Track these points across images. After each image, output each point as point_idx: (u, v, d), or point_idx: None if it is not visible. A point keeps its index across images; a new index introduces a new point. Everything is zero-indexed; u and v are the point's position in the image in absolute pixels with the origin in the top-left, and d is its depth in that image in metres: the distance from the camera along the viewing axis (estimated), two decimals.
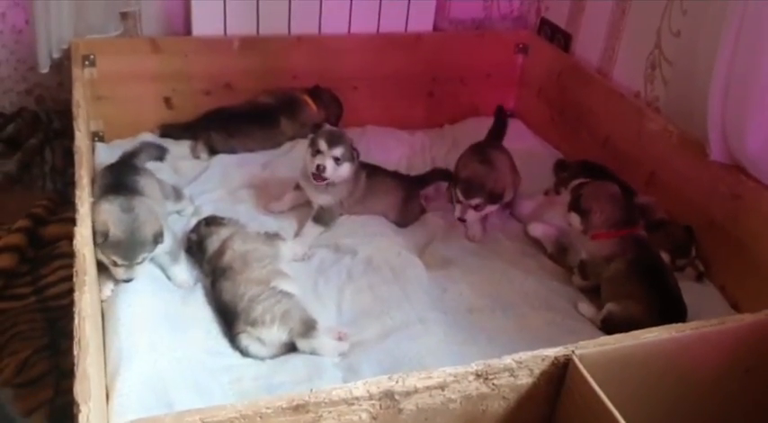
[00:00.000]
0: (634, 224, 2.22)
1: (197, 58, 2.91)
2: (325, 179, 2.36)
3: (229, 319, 1.99)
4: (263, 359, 1.94)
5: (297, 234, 2.46)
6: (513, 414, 1.53)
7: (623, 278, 2.14)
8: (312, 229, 2.45)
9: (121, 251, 1.93)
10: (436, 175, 2.75)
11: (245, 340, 1.94)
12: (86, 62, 2.77)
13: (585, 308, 2.21)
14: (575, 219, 2.27)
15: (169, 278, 2.17)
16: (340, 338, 2.00)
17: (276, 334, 1.94)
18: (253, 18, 2.96)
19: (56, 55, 2.74)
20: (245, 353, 1.94)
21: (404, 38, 3.21)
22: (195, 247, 2.25)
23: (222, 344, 1.96)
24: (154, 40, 2.86)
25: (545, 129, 3.28)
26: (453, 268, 2.36)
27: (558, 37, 3.24)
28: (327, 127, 2.48)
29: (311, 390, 1.36)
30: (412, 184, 2.67)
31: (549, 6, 3.32)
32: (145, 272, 2.04)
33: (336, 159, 2.35)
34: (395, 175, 2.67)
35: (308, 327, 1.95)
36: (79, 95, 2.39)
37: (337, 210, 2.50)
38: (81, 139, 2.15)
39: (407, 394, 1.41)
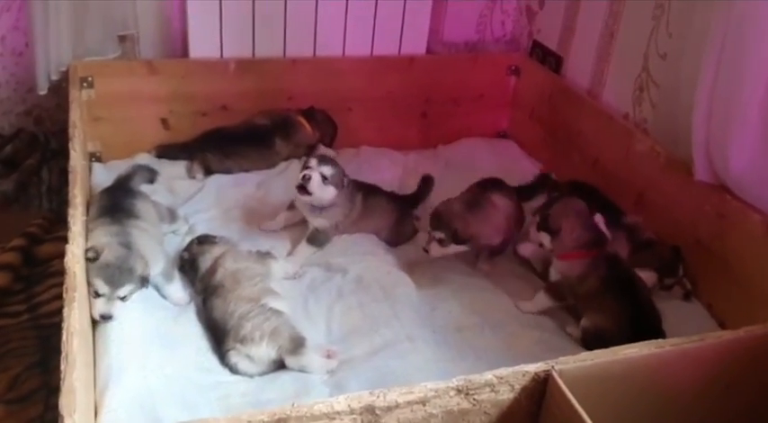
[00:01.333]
0: (603, 243, 2.22)
1: (193, 80, 2.96)
2: (308, 192, 2.35)
3: (219, 336, 2.01)
4: (251, 376, 1.96)
5: (290, 253, 2.49)
6: None
7: (596, 295, 2.16)
8: (305, 249, 2.48)
9: (107, 275, 1.94)
10: (426, 187, 2.78)
11: (233, 357, 1.96)
12: (84, 84, 2.82)
13: (573, 329, 2.23)
14: (545, 238, 2.25)
15: (165, 297, 2.20)
16: (329, 356, 2.02)
17: (265, 351, 1.96)
18: (249, 41, 3.02)
19: (54, 77, 2.79)
20: (233, 370, 1.96)
21: (398, 60, 3.26)
22: (188, 265, 2.28)
23: (212, 361, 1.99)
24: (151, 62, 2.91)
25: (537, 149, 3.32)
26: (443, 287, 2.39)
27: (550, 59, 3.29)
28: (322, 150, 2.48)
29: (293, 403, 1.38)
30: (406, 204, 2.71)
31: (541, 29, 3.38)
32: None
33: (324, 178, 2.36)
34: (390, 196, 2.70)
35: (297, 344, 1.98)
36: (76, 116, 2.44)
37: (332, 232, 2.52)
38: (76, 159, 2.19)
39: (389, 409, 1.43)
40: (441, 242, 2.35)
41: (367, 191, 2.61)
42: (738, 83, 2.08)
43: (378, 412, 1.43)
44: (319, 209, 2.44)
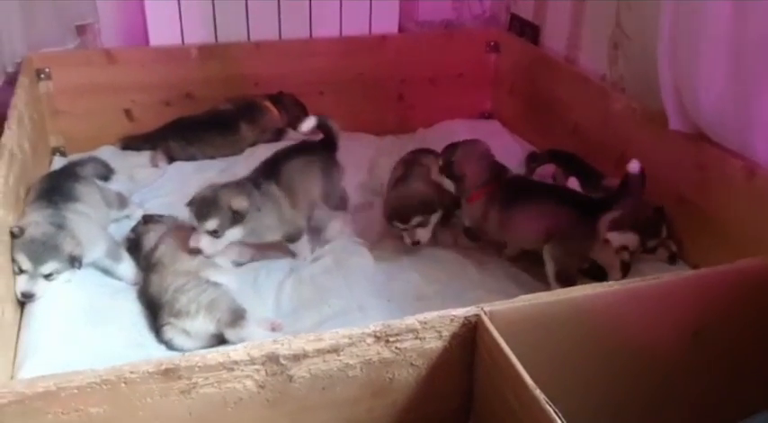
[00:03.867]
0: (499, 178, 2.20)
1: (155, 68, 2.88)
2: (209, 256, 2.01)
3: (155, 311, 1.90)
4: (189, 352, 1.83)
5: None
6: (426, 384, 1.40)
7: (525, 208, 2.10)
8: (299, 246, 2.22)
9: (31, 250, 1.84)
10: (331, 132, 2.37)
11: (168, 333, 1.84)
12: (42, 76, 2.75)
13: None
14: (448, 184, 2.22)
15: (120, 279, 2.10)
16: (274, 329, 1.90)
17: (202, 324, 1.84)
18: (210, 25, 2.94)
19: (10, 69, 2.72)
20: (169, 346, 1.83)
21: (368, 40, 3.15)
22: (133, 245, 2.17)
23: (146, 337, 1.87)
24: (109, 51, 2.84)
25: (520, 126, 3.17)
26: (404, 258, 2.25)
27: (528, 30, 3.15)
28: (202, 191, 2.04)
29: (183, 353, 1.25)
30: (324, 150, 2.35)
31: (518, 0, 3.24)
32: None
33: (214, 232, 1.98)
34: (299, 149, 2.31)
35: (237, 316, 1.84)
36: (20, 101, 2.36)
37: (298, 228, 2.20)
38: (11, 138, 2.10)
39: (296, 358, 1.29)
40: (422, 225, 2.22)
41: (269, 171, 2.18)
42: (701, 16, 1.92)
43: (283, 361, 1.28)
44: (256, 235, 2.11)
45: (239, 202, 2.00)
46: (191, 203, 2.03)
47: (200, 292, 1.87)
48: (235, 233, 2.02)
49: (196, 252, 1.98)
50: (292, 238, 2.20)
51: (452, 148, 2.25)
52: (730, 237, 2.04)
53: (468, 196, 2.19)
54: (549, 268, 2.05)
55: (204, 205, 2.00)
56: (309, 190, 2.25)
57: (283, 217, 2.15)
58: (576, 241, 2.05)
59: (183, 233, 2.11)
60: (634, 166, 1.95)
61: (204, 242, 1.98)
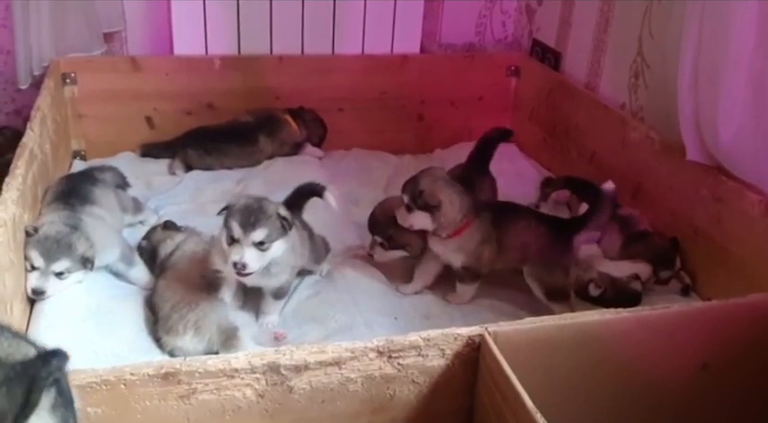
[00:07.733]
0: (477, 201, 2.07)
1: (178, 77, 2.91)
2: (249, 273, 1.80)
3: (155, 322, 1.90)
4: None
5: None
6: (427, 402, 1.39)
7: (509, 235, 2.05)
8: (277, 304, 2.00)
9: (43, 247, 1.86)
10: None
11: (165, 347, 1.84)
12: (67, 80, 2.79)
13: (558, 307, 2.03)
14: (424, 219, 1.99)
15: (133, 283, 2.10)
16: (277, 338, 1.89)
17: (190, 343, 1.82)
18: (234, 37, 2.97)
19: (36, 72, 2.76)
20: (172, 356, 1.83)
21: (390, 59, 3.17)
22: (147, 254, 2.17)
23: (153, 342, 1.86)
24: (134, 58, 2.88)
25: (537, 151, 3.16)
26: (417, 279, 2.23)
27: (549, 56, 3.16)
28: (239, 199, 1.84)
29: (185, 358, 1.25)
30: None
31: (540, 27, 3.26)
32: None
33: (260, 244, 1.77)
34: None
35: (229, 335, 1.82)
36: (44, 103, 2.39)
37: (289, 282, 2.01)
38: (31, 138, 2.13)
39: (297, 370, 1.29)
40: (382, 246, 2.17)
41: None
42: (723, 48, 1.91)
43: (284, 372, 1.28)
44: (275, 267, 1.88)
45: (285, 210, 1.84)
46: (229, 213, 1.80)
47: (190, 310, 1.84)
48: (279, 247, 1.81)
49: (241, 268, 1.76)
50: (282, 290, 1.97)
51: (414, 180, 2.05)
52: (745, 271, 2.02)
53: (452, 229, 2.01)
54: (537, 290, 2.05)
55: (249, 214, 1.77)
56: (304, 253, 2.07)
57: (298, 256, 1.99)
58: (553, 259, 2.05)
59: (201, 242, 2.11)
60: (609, 186, 2.05)
61: (250, 256, 1.75)
